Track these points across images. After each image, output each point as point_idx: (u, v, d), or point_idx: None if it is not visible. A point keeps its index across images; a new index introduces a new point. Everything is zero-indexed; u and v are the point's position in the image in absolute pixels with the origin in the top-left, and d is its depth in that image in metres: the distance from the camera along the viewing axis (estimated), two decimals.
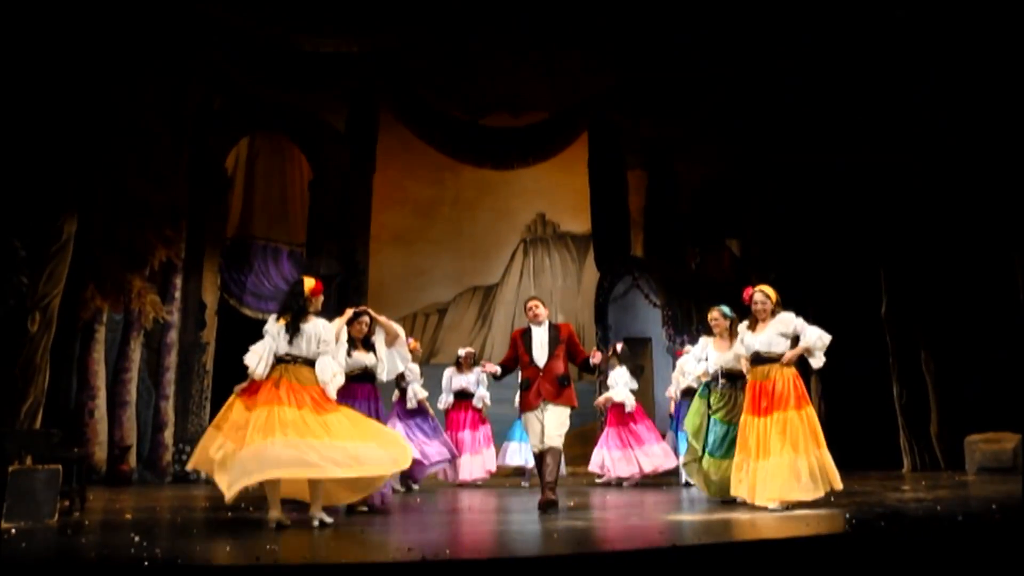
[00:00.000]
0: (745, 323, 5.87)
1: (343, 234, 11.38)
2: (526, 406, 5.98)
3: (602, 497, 7.14)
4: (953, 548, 4.05)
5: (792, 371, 5.63)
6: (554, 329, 6.10)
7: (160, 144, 9.66)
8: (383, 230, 12.12)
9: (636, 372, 9.44)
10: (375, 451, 4.93)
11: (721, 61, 10.40)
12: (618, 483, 8.75)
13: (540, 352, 6.01)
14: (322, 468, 4.75)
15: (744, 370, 5.88)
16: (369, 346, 6.11)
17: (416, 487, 8.13)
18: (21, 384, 8.02)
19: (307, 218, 11.64)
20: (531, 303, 6.15)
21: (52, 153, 8.31)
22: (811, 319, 10.07)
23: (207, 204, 10.49)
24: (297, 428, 4.81)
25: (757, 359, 5.67)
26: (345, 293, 10.92)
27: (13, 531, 4.80)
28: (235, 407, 5.12)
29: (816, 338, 5.69)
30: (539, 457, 5.92)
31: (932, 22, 8.81)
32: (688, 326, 11.16)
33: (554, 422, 5.85)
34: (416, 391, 7.98)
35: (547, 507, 5.64)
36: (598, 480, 9.02)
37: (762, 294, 5.76)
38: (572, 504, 6.44)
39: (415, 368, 7.99)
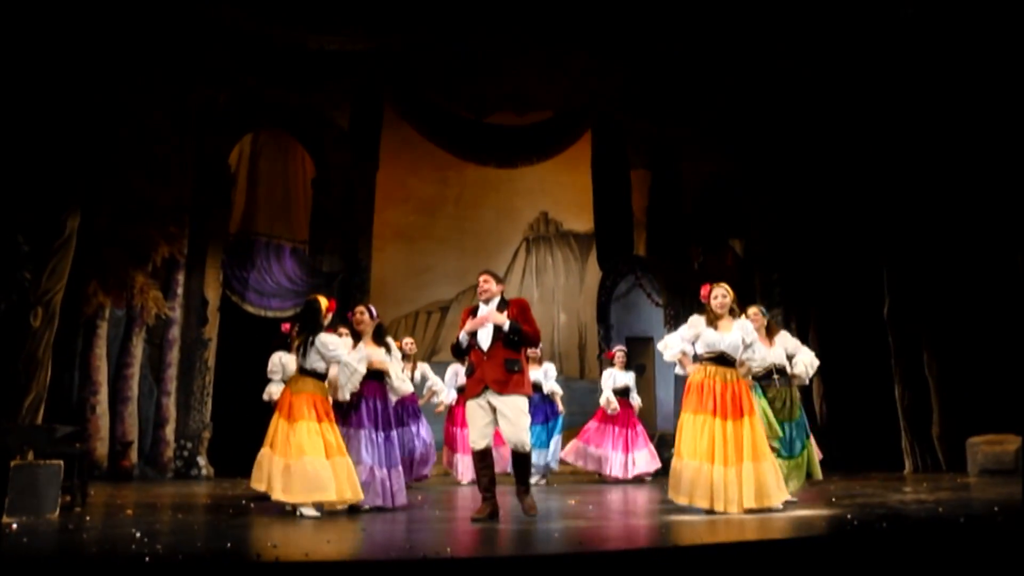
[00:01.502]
0: (701, 318, 5.58)
1: (346, 231, 11.39)
2: (468, 393, 5.34)
3: (602, 496, 7.14)
4: (955, 550, 4.04)
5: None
6: (503, 306, 5.36)
7: (164, 141, 9.67)
8: (386, 228, 12.11)
9: (638, 371, 9.47)
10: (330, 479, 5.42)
11: (725, 61, 10.39)
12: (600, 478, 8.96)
13: (484, 333, 5.29)
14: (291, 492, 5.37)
15: (684, 365, 5.63)
16: (383, 343, 6.08)
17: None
18: (23, 379, 8.02)
19: (310, 215, 11.65)
20: (480, 277, 5.47)
21: (56, 149, 8.31)
22: (814, 319, 10.08)
23: (210, 200, 10.50)
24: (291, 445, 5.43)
25: (720, 359, 5.49)
26: (347, 290, 10.92)
27: (14, 526, 4.81)
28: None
29: (761, 358, 5.71)
30: (482, 454, 5.24)
31: (937, 20, 8.79)
32: None
33: (513, 419, 5.14)
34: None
35: (530, 514, 5.14)
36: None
37: (723, 290, 5.61)
38: (572, 503, 6.44)
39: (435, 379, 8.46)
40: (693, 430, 5.36)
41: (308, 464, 5.37)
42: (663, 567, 3.57)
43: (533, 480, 8.63)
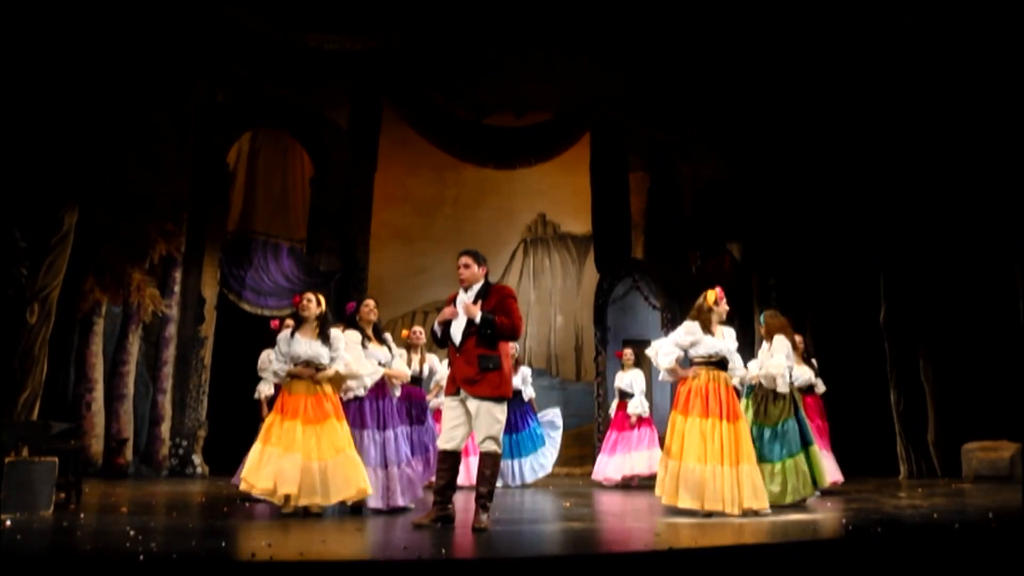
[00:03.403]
0: (696, 324, 5.60)
1: (344, 231, 11.37)
2: (445, 390, 4.95)
3: (598, 499, 7.13)
4: (949, 556, 4.05)
5: None
6: (484, 293, 4.91)
7: (163, 138, 9.66)
8: (384, 228, 12.10)
9: None
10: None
11: (724, 65, 10.41)
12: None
13: (458, 324, 4.87)
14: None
15: (677, 372, 5.65)
16: (383, 340, 6.00)
17: None
18: (19, 375, 8.01)
19: (308, 214, 11.63)
20: (460, 260, 4.97)
21: (54, 145, 8.30)
22: (810, 324, 10.10)
23: (208, 199, 10.48)
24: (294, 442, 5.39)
25: (719, 363, 5.59)
26: (345, 290, 10.91)
27: (8, 522, 4.79)
28: None
29: (742, 367, 5.97)
30: (445, 456, 4.88)
31: (935, 29, 8.81)
32: None
33: (485, 421, 4.75)
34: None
35: (476, 528, 4.60)
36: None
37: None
38: (568, 505, 6.44)
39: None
40: (701, 434, 5.38)
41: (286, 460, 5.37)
42: (660, 570, 3.57)
43: (501, 485, 8.48)
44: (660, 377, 5.84)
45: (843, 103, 10.03)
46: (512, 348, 8.40)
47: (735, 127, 11.18)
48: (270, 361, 6.86)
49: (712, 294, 5.64)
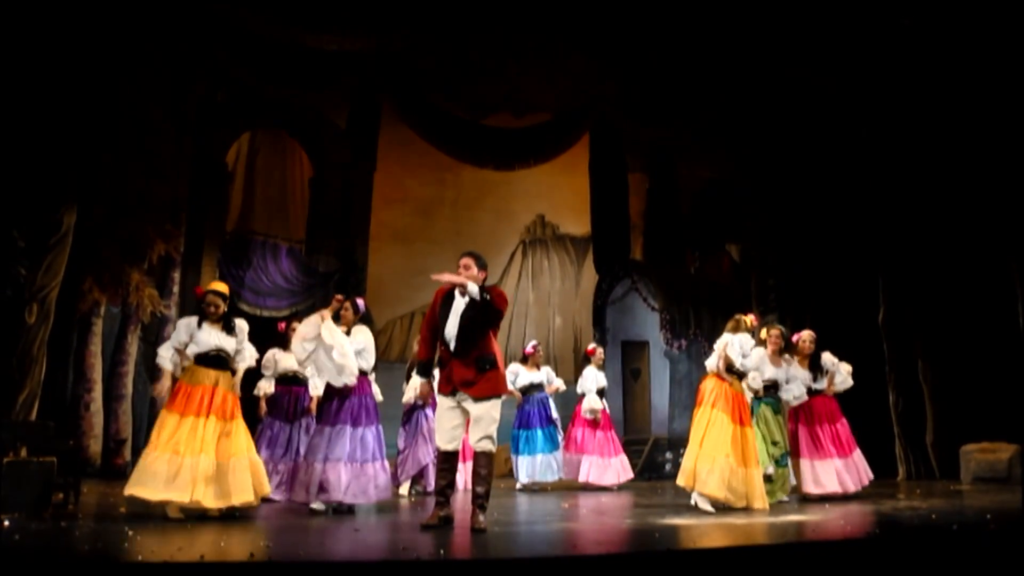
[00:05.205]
0: (752, 340, 6.13)
1: (343, 231, 11.36)
2: (439, 389, 5.01)
3: (596, 499, 7.13)
4: (948, 557, 4.05)
5: None
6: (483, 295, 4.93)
7: (162, 138, 9.64)
8: (383, 228, 12.09)
9: (633, 375, 9.36)
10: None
11: (723, 66, 10.42)
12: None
13: (451, 326, 4.92)
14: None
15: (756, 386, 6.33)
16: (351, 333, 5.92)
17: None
18: (17, 375, 7.98)
19: (307, 215, 11.63)
20: (461, 261, 5.05)
21: (53, 144, 8.29)
22: (809, 325, 10.19)
23: (207, 198, 10.47)
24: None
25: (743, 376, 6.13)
26: (344, 290, 10.90)
27: (6, 523, 4.79)
28: None
29: None
30: (447, 456, 4.90)
31: (935, 29, 8.82)
32: (686, 330, 11.16)
33: (481, 421, 4.78)
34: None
35: (476, 531, 4.57)
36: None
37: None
38: (566, 506, 6.44)
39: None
40: (733, 436, 5.82)
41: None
42: (658, 572, 3.57)
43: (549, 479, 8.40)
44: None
45: (842, 104, 10.04)
46: (539, 351, 8.50)
47: (734, 128, 11.18)
48: (275, 360, 6.91)
49: (749, 318, 6.21)
